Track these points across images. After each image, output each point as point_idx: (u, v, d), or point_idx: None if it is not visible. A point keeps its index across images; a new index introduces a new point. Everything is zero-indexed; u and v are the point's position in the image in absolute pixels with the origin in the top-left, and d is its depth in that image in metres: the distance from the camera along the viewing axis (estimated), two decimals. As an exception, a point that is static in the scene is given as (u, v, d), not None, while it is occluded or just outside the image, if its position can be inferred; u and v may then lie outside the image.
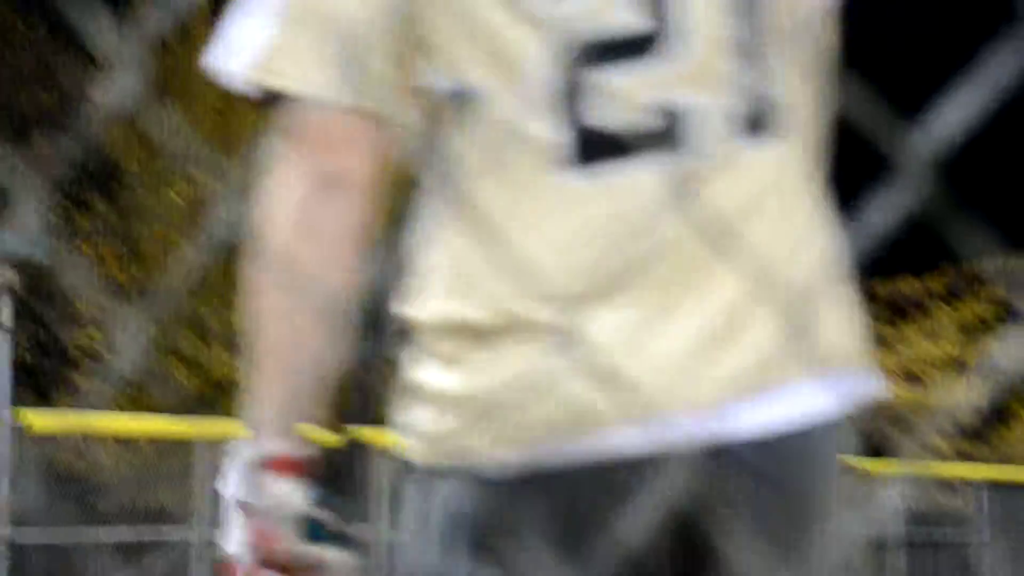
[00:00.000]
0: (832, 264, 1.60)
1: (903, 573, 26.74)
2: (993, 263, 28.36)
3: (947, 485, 32.18)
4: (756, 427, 1.50)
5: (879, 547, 27.61)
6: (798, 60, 1.57)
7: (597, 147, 1.49)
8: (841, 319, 1.59)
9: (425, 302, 1.53)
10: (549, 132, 1.47)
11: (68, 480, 17.35)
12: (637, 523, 1.49)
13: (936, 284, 36.95)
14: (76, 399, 20.87)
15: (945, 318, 36.42)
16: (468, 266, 1.51)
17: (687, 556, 1.53)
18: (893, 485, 26.28)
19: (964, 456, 35.73)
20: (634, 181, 1.50)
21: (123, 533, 14.35)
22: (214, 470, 15.13)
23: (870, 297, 32.64)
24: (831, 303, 1.58)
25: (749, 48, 1.52)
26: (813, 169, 1.61)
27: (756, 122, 1.53)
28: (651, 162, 1.50)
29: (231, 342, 22.91)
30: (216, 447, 14.72)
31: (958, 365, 35.55)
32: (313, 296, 1.51)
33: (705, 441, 1.48)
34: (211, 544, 14.96)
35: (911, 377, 35.04)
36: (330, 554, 1.56)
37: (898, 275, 36.92)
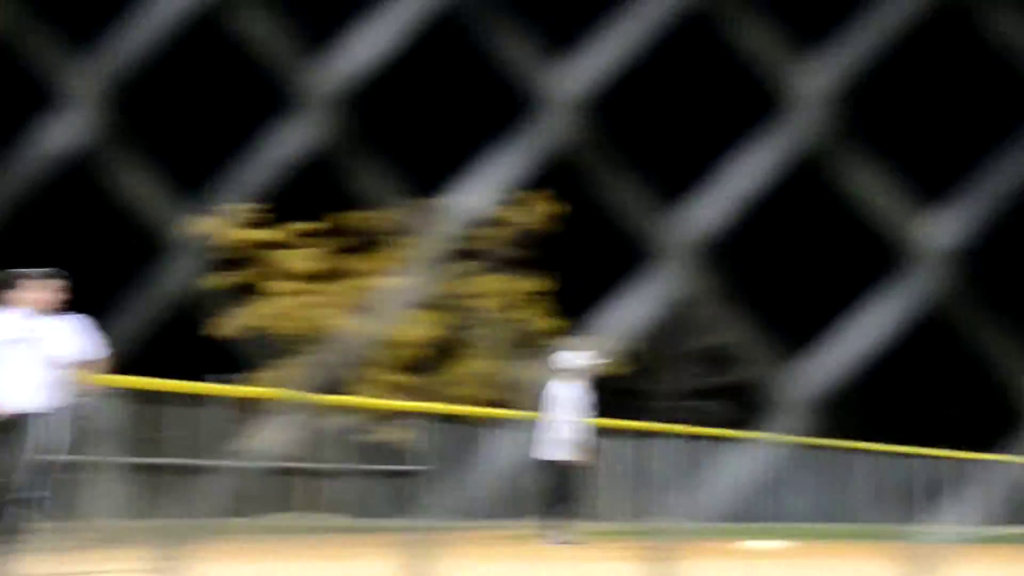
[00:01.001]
0: None
1: (350, 503, 27.36)
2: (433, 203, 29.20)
3: (392, 417, 33.03)
4: None
5: (324, 475, 28.12)
6: None
7: None
8: None
9: None
10: None
11: None
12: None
13: (389, 219, 37.77)
14: None
15: (398, 251, 37.33)
16: None
17: None
18: (340, 416, 26.80)
19: (409, 390, 36.75)
20: None
21: None
22: None
23: (331, 230, 32.67)
24: None
25: None
26: None
27: None
28: None
29: None
30: None
31: (413, 300, 36.50)
32: None
33: None
34: None
35: (362, 309, 35.71)
36: None
37: (350, 208, 37.56)
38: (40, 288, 11.17)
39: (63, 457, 11.23)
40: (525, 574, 13.78)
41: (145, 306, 3.79)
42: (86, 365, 11.15)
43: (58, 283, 11.27)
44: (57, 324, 11.19)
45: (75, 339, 11.14)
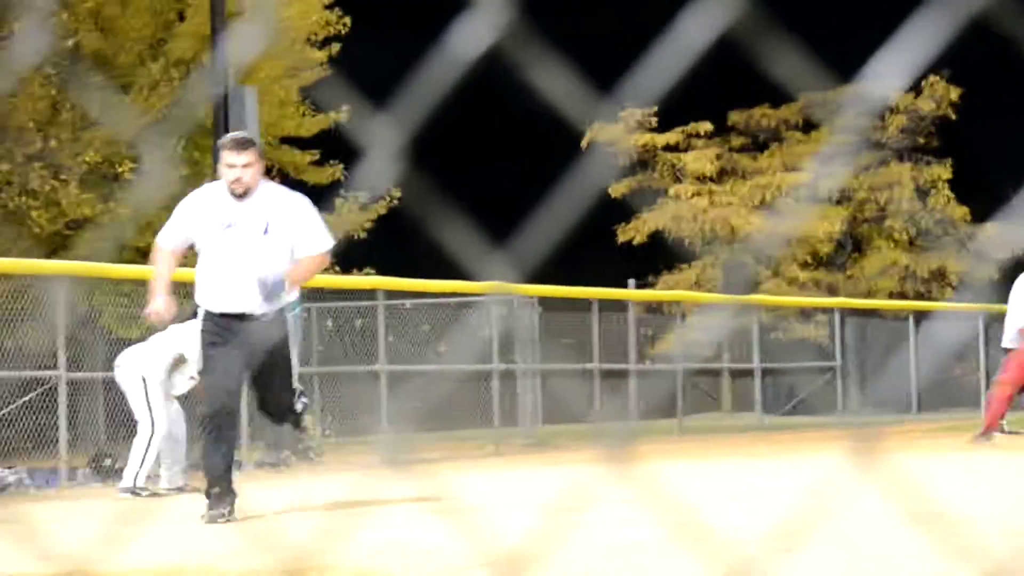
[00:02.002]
0: None
1: (771, 401, 27.42)
2: (841, 93, 28.76)
3: (804, 313, 32.78)
4: None
5: (744, 374, 28.22)
6: None
7: None
8: None
9: None
10: None
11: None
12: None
13: (791, 113, 37.33)
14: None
15: (801, 147, 36.90)
16: None
17: None
18: (753, 313, 26.76)
19: (821, 285, 36.38)
20: None
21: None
22: (73, 309, 15.05)
23: (728, 128, 32.72)
24: None
25: None
26: None
27: None
28: None
29: (86, 180, 22.67)
30: (75, 285, 14.61)
31: (815, 195, 36.08)
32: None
33: None
34: (73, 383, 14.92)
35: (768, 208, 35.50)
36: None
37: (754, 105, 37.25)
38: (240, 158, 9.02)
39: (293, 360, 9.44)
40: (984, 464, 13.58)
41: (561, 211, 3.93)
42: (312, 258, 9.12)
43: (256, 151, 9.12)
44: (274, 205, 9.11)
45: (297, 224, 9.09)
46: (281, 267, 8.98)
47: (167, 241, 9.34)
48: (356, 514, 9.01)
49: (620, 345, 23.36)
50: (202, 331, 9.14)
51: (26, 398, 14.87)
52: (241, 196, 9.05)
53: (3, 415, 14.89)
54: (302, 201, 9.31)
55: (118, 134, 22.86)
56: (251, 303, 8.99)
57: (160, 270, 9.27)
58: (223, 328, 9.04)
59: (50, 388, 14.53)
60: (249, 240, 9.01)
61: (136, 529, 8.96)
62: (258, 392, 9.34)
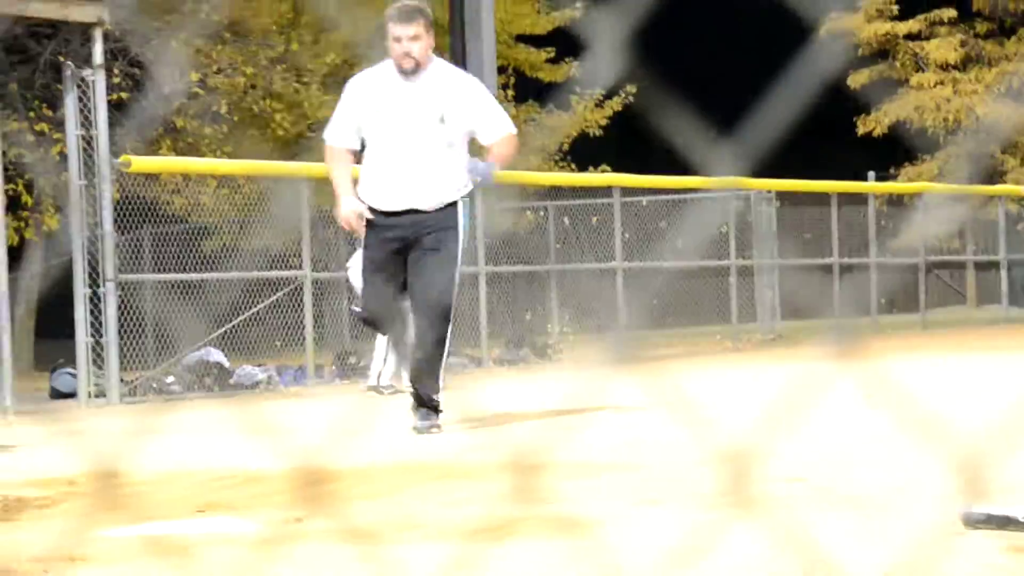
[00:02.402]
0: None
1: (1009, 292, 26.81)
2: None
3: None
4: None
5: (987, 266, 27.61)
6: None
7: None
8: None
9: None
10: None
11: (172, 221, 17.67)
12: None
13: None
14: (176, 141, 21.05)
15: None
16: None
17: None
18: (998, 206, 26.12)
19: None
20: None
21: (231, 273, 14.63)
22: (316, 209, 15.35)
23: (972, 13, 31.67)
24: None
25: None
26: None
27: None
28: None
29: (327, 82, 23.02)
30: (318, 186, 14.90)
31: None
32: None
33: None
34: (318, 283, 15.26)
35: (1017, 95, 34.50)
36: None
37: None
38: (408, 30, 8.16)
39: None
40: None
41: (795, 102, 3.88)
42: (507, 141, 8.25)
43: (426, 22, 8.21)
44: (449, 89, 8.24)
45: (477, 109, 8.23)
46: (461, 157, 8.19)
47: (337, 139, 8.42)
48: (591, 410, 9.09)
49: (860, 238, 23.02)
50: (367, 232, 8.23)
51: (273, 297, 15.25)
52: (411, 73, 8.16)
53: (252, 314, 15.29)
54: (476, 83, 8.44)
55: (356, 35, 23.14)
56: (426, 198, 8.16)
57: (339, 173, 8.31)
58: (389, 229, 8.19)
59: (296, 287, 14.88)
60: (425, 130, 8.16)
61: (374, 426, 9.16)
62: (413, 280, 8.19)
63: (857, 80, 35.30)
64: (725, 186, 18.98)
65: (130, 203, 14.33)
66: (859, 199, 23.24)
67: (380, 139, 8.26)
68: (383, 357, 12.29)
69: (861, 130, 35.84)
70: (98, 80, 12.90)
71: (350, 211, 8.19)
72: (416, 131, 8.18)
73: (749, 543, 4.33)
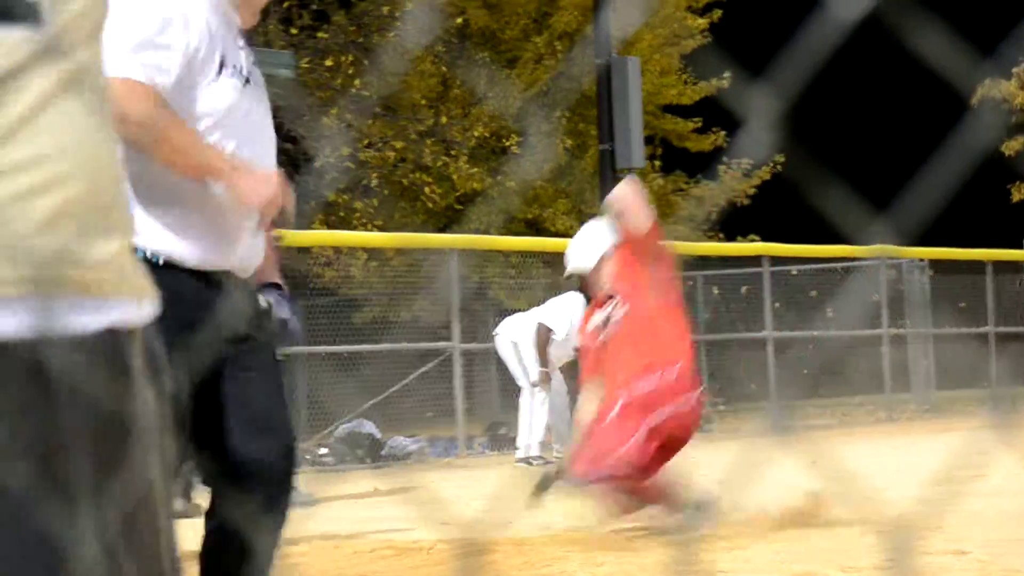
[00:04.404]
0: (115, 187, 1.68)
1: None
2: None
3: None
4: None
5: None
6: None
7: None
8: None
9: None
10: None
11: (323, 294, 17.87)
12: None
13: None
14: (328, 214, 21.33)
15: None
16: None
17: None
18: None
19: None
20: None
21: (381, 344, 14.75)
22: (465, 281, 15.45)
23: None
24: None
25: None
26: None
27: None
28: None
29: (475, 154, 23.21)
30: (466, 258, 15.00)
31: None
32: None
33: None
34: (468, 353, 15.32)
35: None
36: None
37: None
38: None
39: None
40: None
41: (949, 170, 3.85)
42: None
43: None
44: None
45: None
46: None
47: None
48: (745, 481, 9.00)
49: (1017, 307, 22.64)
50: None
51: (424, 368, 15.33)
52: None
53: (403, 386, 15.39)
54: None
55: (504, 109, 23.31)
56: None
57: None
58: None
59: (446, 358, 14.94)
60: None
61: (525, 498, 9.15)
62: None
63: (1011, 147, 34.83)
64: (877, 255, 18.79)
65: (283, 276, 14.52)
66: (1014, 267, 22.87)
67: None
68: (528, 426, 12.30)
69: (1016, 197, 35.32)
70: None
71: None
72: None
73: (911, 618, 4.25)
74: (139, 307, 1.70)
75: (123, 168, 1.75)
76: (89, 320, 1.64)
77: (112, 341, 1.66)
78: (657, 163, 25.70)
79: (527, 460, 12.20)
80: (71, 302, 1.63)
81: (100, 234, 1.66)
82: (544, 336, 12.25)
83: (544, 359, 12.24)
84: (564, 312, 12.08)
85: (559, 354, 12.28)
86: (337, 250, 18.28)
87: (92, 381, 1.63)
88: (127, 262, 1.70)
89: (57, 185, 1.63)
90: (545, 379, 12.23)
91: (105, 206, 1.68)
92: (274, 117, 4.13)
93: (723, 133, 26.97)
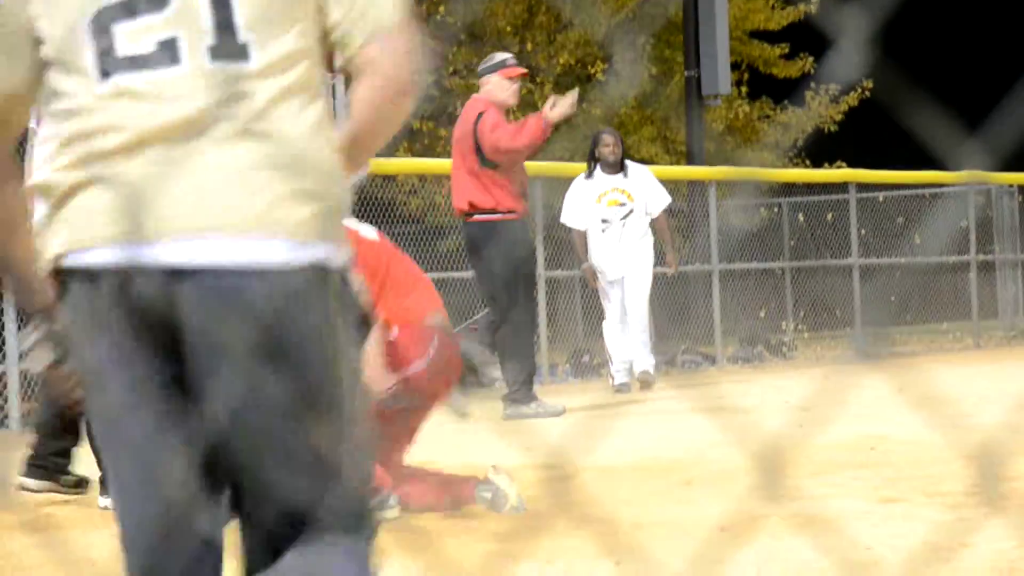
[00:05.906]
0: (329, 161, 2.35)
1: None
2: None
3: None
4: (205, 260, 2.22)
5: None
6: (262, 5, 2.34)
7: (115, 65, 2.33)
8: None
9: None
10: (88, 62, 2.33)
11: (408, 222, 17.95)
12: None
13: None
14: (413, 142, 21.37)
15: None
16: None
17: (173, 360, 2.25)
18: None
19: None
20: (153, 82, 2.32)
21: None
22: (549, 208, 15.46)
23: None
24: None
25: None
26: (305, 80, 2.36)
27: (220, 48, 2.32)
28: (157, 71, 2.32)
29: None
30: (551, 185, 15.00)
31: None
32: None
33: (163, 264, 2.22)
34: (552, 281, 15.36)
35: None
36: None
37: None
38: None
39: None
40: None
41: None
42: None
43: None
44: None
45: None
46: None
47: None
48: (832, 407, 9.00)
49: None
50: None
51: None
52: None
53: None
54: None
55: (590, 35, 23.21)
56: None
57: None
58: None
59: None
60: None
61: (610, 425, 9.19)
62: None
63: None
64: (966, 180, 18.62)
65: (368, 204, 14.59)
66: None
67: None
68: (608, 353, 12.36)
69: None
70: (337, 84, 13.16)
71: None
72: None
73: (998, 541, 4.26)
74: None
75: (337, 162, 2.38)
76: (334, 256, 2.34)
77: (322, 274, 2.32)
78: (744, 89, 25.51)
79: (616, 388, 12.26)
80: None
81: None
82: None
83: None
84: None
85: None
86: (422, 178, 18.31)
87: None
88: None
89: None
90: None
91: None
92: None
93: (811, 59, 26.72)
